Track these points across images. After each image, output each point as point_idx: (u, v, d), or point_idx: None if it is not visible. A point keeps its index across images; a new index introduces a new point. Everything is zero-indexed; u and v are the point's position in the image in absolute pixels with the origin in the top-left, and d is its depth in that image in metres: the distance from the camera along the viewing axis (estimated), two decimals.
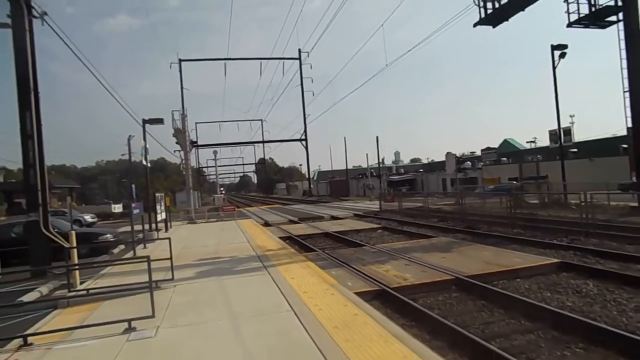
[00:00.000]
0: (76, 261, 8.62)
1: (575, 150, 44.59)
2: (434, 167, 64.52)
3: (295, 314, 5.46)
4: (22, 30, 10.25)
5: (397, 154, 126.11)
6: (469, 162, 52.54)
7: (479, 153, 61.79)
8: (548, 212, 17.25)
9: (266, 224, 21.79)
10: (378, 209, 26.65)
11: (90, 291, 7.34)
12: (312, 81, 56.13)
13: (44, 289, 8.60)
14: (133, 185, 37.24)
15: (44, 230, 10.55)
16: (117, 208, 45.55)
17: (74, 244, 8.57)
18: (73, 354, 4.64)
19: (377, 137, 50.31)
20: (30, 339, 5.02)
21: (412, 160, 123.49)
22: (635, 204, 16.07)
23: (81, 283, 8.39)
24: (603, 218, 14.68)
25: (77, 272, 8.36)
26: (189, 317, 5.68)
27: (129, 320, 5.27)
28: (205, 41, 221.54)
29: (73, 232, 8.66)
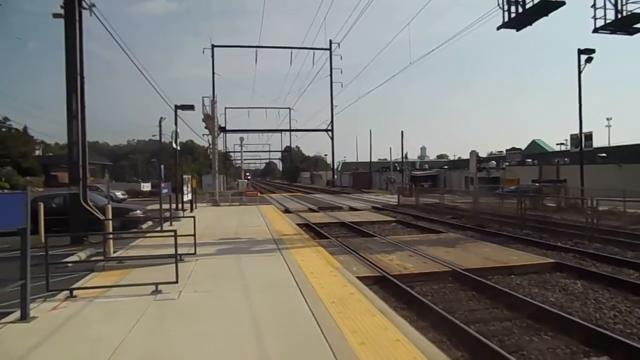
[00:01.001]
0: (111, 233, 9.62)
1: (604, 155, 43.77)
2: (458, 164, 64.16)
3: (300, 289, 6.21)
4: (72, 21, 11.24)
5: (423, 149, 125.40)
6: (493, 162, 52.14)
7: None
8: (562, 215, 17.47)
9: (286, 211, 22.64)
10: (396, 203, 27.17)
11: (123, 259, 8.28)
12: (342, 72, 56.74)
13: (82, 255, 9.64)
14: (162, 166, 38.74)
15: (83, 203, 11.62)
16: (146, 187, 47.18)
17: (110, 217, 9.56)
18: (110, 307, 5.52)
19: (402, 132, 50.49)
20: (75, 292, 5.95)
21: (439, 157, 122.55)
22: None
23: (114, 252, 9.38)
24: (615, 224, 14.92)
25: (111, 241, 9.34)
26: (208, 285, 6.52)
27: (156, 284, 6.14)
28: (237, 25, 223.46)
29: (110, 206, 9.66)
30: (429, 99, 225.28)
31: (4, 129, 58.10)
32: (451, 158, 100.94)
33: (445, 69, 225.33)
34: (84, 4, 11.60)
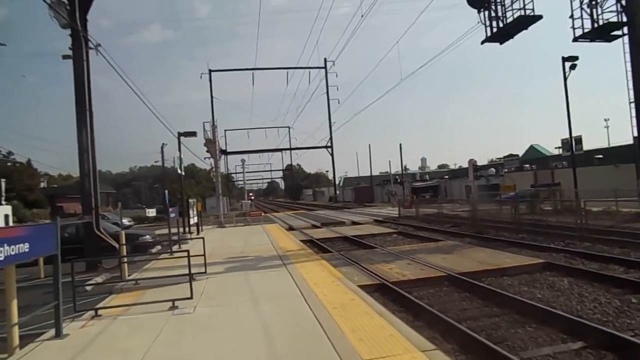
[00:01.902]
0: (125, 257, 10.21)
1: (601, 156, 44.33)
2: (458, 173, 64.76)
3: (304, 298, 6.77)
4: (80, 60, 12.03)
5: (423, 160, 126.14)
6: (492, 169, 52.75)
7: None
8: (557, 218, 17.96)
9: (290, 228, 23.17)
10: (397, 215, 27.69)
11: (138, 280, 8.85)
12: (338, 89, 57.92)
13: (99, 279, 10.21)
14: (166, 191, 39.39)
15: (96, 231, 12.23)
16: (151, 212, 48.02)
17: (124, 242, 10.16)
18: (132, 323, 6.08)
19: (400, 145, 51.32)
20: (99, 312, 6.52)
21: (440, 167, 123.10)
22: None
23: (128, 275, 9.94)
24: (608, 224, 15.44)
25: (125, 265, 9.94)
26: (220, 300, 7.08)
27: (173, 300, 6.71)
28: (232, 48, 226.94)
29: (123, 233, 10.26)
30: (427, 111, 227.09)
31: (9, 164, 59.13)
32: (452, 167, 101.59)
33: (440, 81, 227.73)
34: (90, 45, 12.40)
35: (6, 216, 10.54)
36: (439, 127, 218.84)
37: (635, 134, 16.56)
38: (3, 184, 27.52)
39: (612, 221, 15.95)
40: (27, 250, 4.75)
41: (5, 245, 4.35)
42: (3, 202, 27.51)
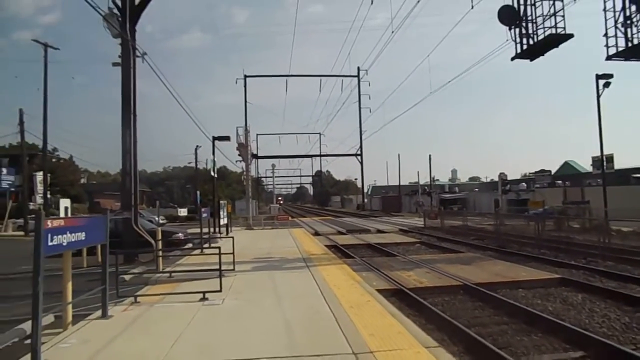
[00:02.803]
0: (160, 252, 11.01)
1: (639, 176, 42.98)
2: (488, 187, 63.92)
3: (324, 297, 7.29)
4: (128, 67, 13.03)
5: (453, 171, 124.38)
6: (524, 184, 51.79)
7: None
8: (584, 236, 17.80)
9: (316, 234, 23.73)
10: (423, 226, 27.82)
11: (173, 272, 9.58)
12: (370, 98, 58.24)
13: (138, 270, 11.03)
14: (198, 192, 40.75)
15: (134, 226, 13.13)
16: (183, 212, 49.54)
17: (160, 238, 10.95)
18: (167, 310, 6.75)
19: (429, 156, 51.34)
20: (138, 299, 7.24)
21: (471, 179, 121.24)
22: None
23: (163, 269, 10.71)
24: (636, 244, 15.28)
25: (161, 259, 10.72)
26: (246, 294, 7.69)
27: (204, 292, 7.36)
28: (267, 55, 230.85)
29: (159, 229, 11.08)
30: (461, 122, 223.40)
31: (54, 159, 62.36)
32: (483, 180, 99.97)
33: (476, 93, 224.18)
34: (137, 53, 13.39)
35: (66, 208, 11.55)
36: (472, 139, 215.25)
37: None
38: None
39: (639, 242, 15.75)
40: (83, 238, 5.47)
41: (67, 232, 5.06)
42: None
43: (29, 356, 4.49)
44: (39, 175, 35.72)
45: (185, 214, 47.98)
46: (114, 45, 13.44)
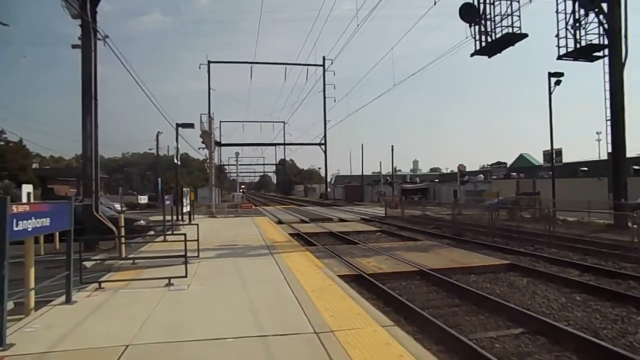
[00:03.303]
0: (123, 239, 10.94)
1: (586, 169, 45.64)
2: (448, 177, 65.93)
3: (287, 282, 7.56)
4: (88, 50, 12.69)
5: (415, 162, 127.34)
6: (481, 175, 53.89)
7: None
8: (534, 225, 18.90)
9: (279, 222, 23.93)
10: (384, 215, 28.56)
11: (136, 259, 9.58)
12: (335, 88, 58.70)
13: (100, 257, 10.93)
14: (159, 179, 39.98)
15: (95, 213, 12.92)
16: (143, 199, 48.45)
17: (122, 224, 10.88)
18: (133, 295, 6.83)
19: (392, 146, 52.44)
20: (102, 285, 7.27)
21: (432, 170, 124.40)
22: (612, 222, 17.62)
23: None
24: (579, 232, 16.43)
25: (123, 245, 10.67)
26: (211, 280, 7.86)
27: (169, 278, 7.47)
28: (232, 40, 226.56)
29: (122, 216, 10.98)
30: (422, 114, 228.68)
31: (1, 143, 59.15)
32: (444, 171, 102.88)
33: (437, 84, 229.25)
34: (98, 36, 13.05)
35: (28, 194, 11.22)
36: (433, 131, 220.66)
37: (610, 151, 17.54)
38: None
39: (583, 231, 16.93)
40: (48, 224, 5.48)
41: (32, 218, 5.08)
42: None
43: None
44: None
45: (146, 201, 46.97)
46: (66, 24, 13.02)
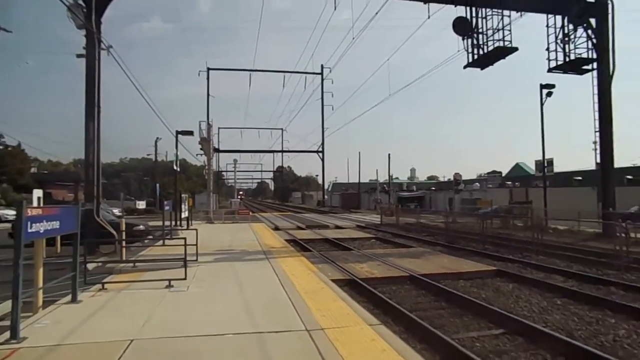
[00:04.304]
0: (124, 243, 11.30)
1: (580, 178, 46.26)
2: (444, 186, 66.39)
3: (282, 285, 7.93)
4: (92, 60, 13.11)
5: (412, 170, 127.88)
6: (477, 184, 54.40)
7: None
8: (525, 233, 19.31)
9: (276, 228, 24.27)
10: (379, 222, 28.94)
11: (137, 262, 9.94)
12: (332, 95, 59.24)
13: (102, 259, 11.26)
14: (158, 185, 40.27)
15: (96, 218, 13.27)
16: (141, 205, 48.71)
17: (124, 229, 11.23)
18: (135, 295, 7.19)
19: (388, 155, 52.99)
20: (105, 286, 7.63)
21: (429, 178, 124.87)
22: (601, 231, 18.02)
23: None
24: (568, 241, 16.85)
25: (124, 249, 11.01)
26: (209, 282, 8.22)
27: (169, 280, 7.83)
28: (231, 47, 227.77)
29: (124, 220, 11.33)
30: (420, 122, 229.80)
31: (0, 147, 59.39)
32: (441, 179, 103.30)
33: (436, 93, 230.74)
34: (102, 46, 13.48)
35: (39, 198, 11.56)
36: (430, 139, 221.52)
37: (599, 161, 18.01)
38: None
39: (573, 239, 17.34)
40: (58, 227, 5.86)
41: (44, 221, 5.46)
42: None
43: (7, 334, 4.90)
44: None
45: (144, 206, 47.24)
46: (64, 29, 13.45)
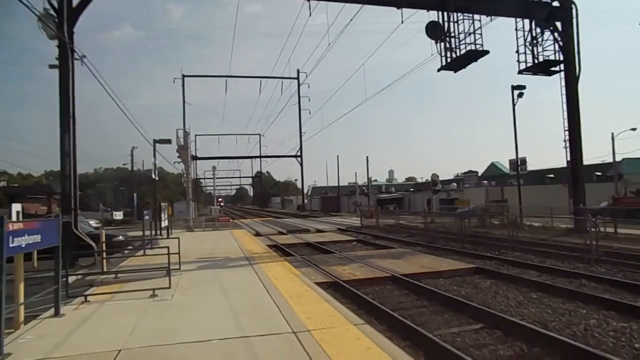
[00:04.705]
0: (104, 254, 11.16)
1: (552, 176, 47.64)
2: (423, 187, 67.31)
3: (266, 289, 8.02)
4: (66, 70, 12.95)
5: (390, 172, 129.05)
6: (454, 184, 55.37)
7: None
8: (502, 231, 19.83)
9: (257, 234, 24.25)
10: (360, 225, 29.22)
11: (119, 273, 9.86)
12: (310, 100, 59.50)
13: (81, 272, 11.10)
14: (135, 194, 39.70)
15: (75, 230, 13.07)
16: (118, 215, 47.78)
17: (104, 240, 11.11)
18: (119, 306, 7.17)
19: (367, 157, 53.29)
20: (88, 298, 7.57)
21: (407, 179, 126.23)
22: (573, 226, 18.66)
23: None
24: (542, 237, 17.38)
25: (104, 260, 10.89)
26: (194, 290, 8.24)
27: (153, 289, 7.82)
28: (206, 53, 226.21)
29: (103, 232, 11.23)
30: (397, 124, 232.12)
31: None
32: (419, 180, 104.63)
33: (411, 95, 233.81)
34: (76, 56, 13.33)
35: (17, 212, 11.32)
36: (407, 141, 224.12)
37: (569, 159, 18.68)
38: None
39: (547, 235, 17.90)
40: (39, 240, 5.83)
41: (26, 235, 5.43)
42: None
43: None
44: None
45: (121, 217, 46.33)
46: (33, 38, 13.25)
